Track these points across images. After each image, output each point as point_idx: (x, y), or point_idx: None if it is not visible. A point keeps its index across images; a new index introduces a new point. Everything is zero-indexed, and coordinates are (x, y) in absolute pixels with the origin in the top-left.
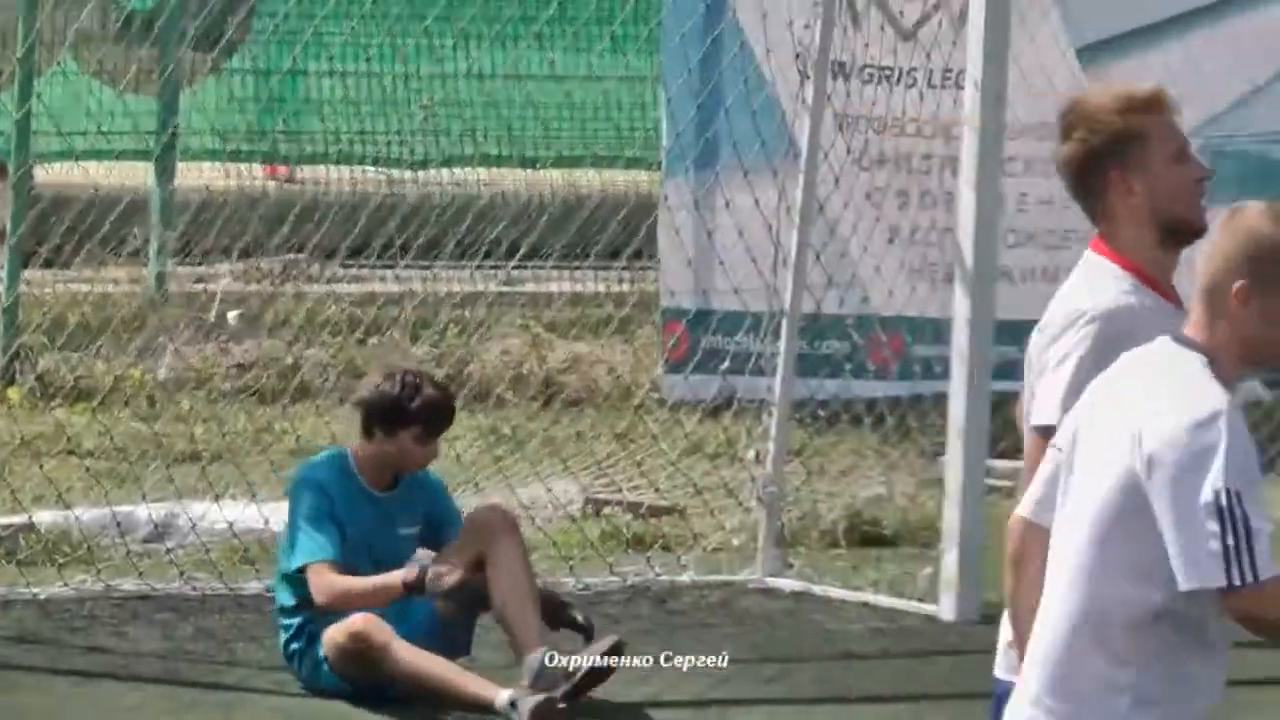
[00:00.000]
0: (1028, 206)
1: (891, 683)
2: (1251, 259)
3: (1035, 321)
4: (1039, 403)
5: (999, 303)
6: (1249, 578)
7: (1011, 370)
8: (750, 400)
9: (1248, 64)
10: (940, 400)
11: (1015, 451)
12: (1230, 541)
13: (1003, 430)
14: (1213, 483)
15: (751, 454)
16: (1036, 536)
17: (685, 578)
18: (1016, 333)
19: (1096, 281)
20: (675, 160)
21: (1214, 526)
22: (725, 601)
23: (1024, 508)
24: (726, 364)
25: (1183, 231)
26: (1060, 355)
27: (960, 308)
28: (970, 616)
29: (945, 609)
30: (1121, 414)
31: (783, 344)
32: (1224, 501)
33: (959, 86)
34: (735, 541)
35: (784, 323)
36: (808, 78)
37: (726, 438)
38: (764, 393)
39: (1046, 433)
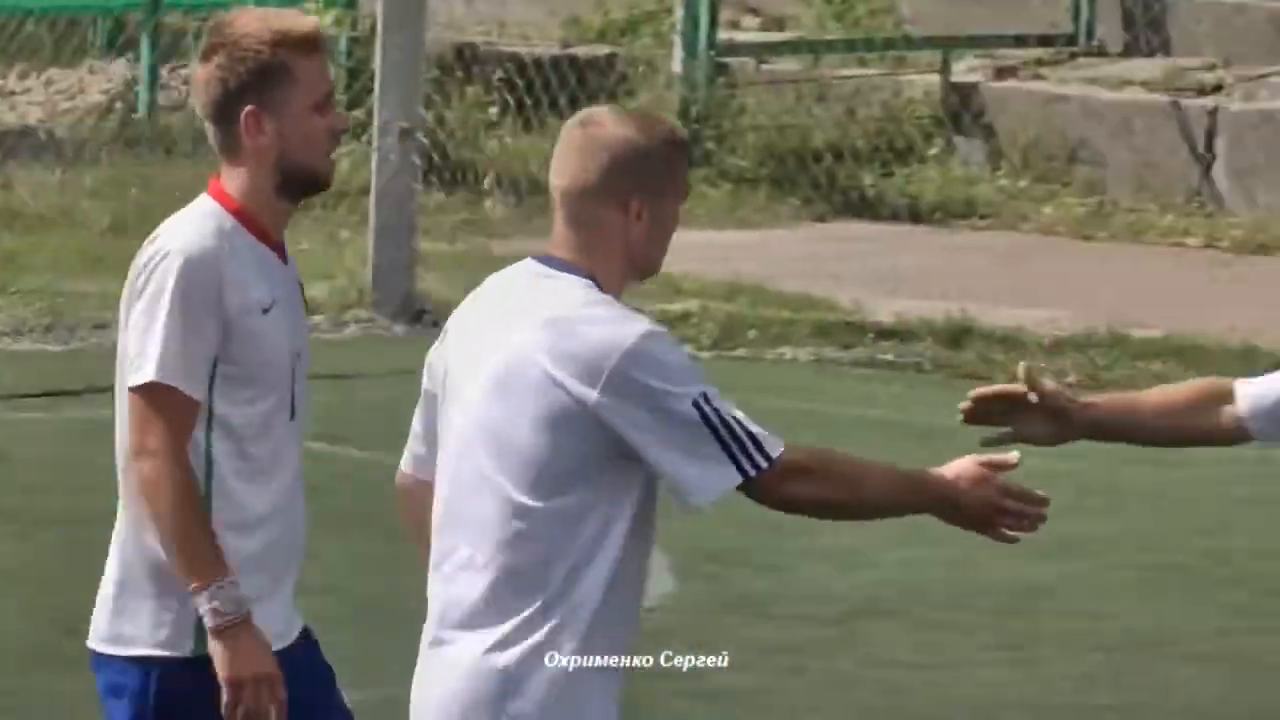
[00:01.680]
0: None
1: None
2: (635, 172)
3: None
4: (140, 359)
5: None
6: (761, 463)
7: None
8: None
9: None
10: None
11: None
12: (726, 438)
13: None
14: (687, 394)
15: None
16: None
17: None
18: None
19: (189, 220)
20: None
21: (705, 433)
22: None
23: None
24: None
25: (307, 183)
26: (147, 302)
27: None
28: None
29: None
30: (510, 343)
31: None
32: (704, 407)
33: None
34: None
35: None
36: None
37: None
38: None
39: (157, 390)
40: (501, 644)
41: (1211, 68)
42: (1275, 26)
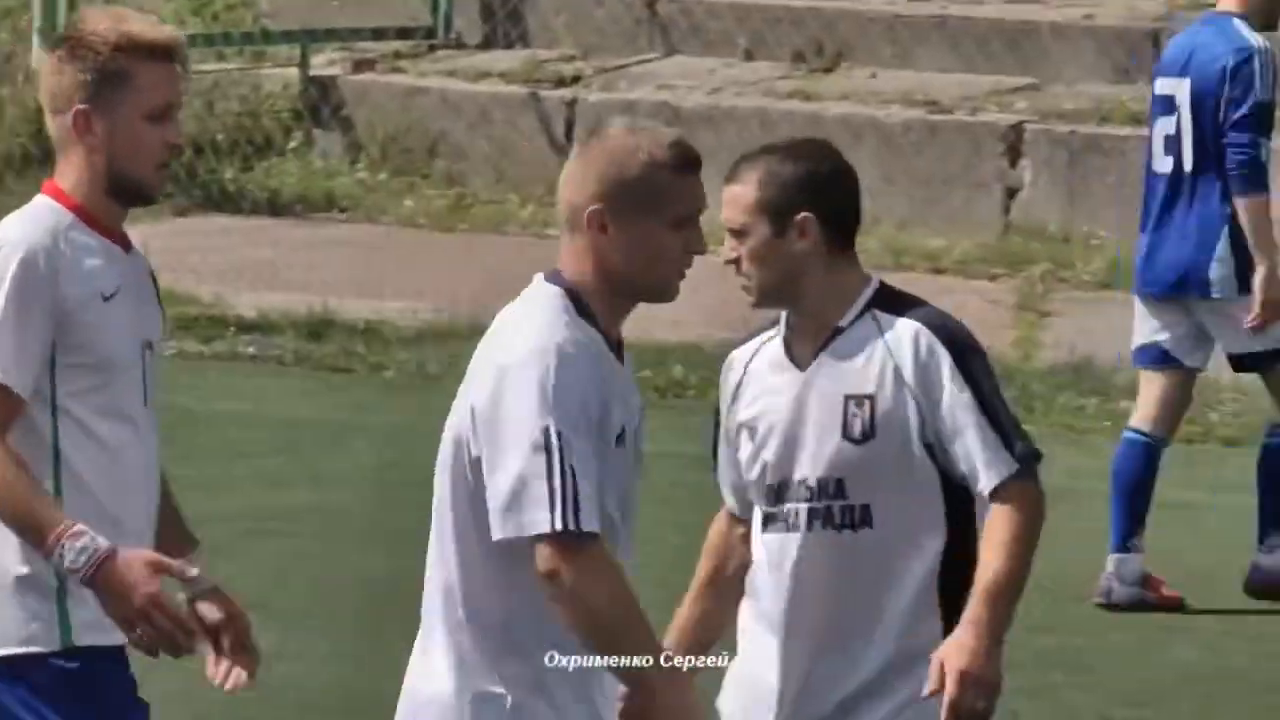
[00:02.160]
0: None
1: None
2: (609, 182)
3: None
4: None
5: None
6: (571, 525)
7: None
8: None
9: None
10: None
11: None
12: (556, 484)
13: None
14: (539, 421)
15: None
16: None
17: None
18: None
19: (24, 216)
20: None
21: (539, 468)
22: None
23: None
24: None
25: (131, 192)
26: None
27: None
28: None
29: None
30: (477, 360)
31: None
32: (551, 441)
33: None
34: None
35: None
36: None
37: None
38: None
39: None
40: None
41: (570, 59)
42: (634, 19)
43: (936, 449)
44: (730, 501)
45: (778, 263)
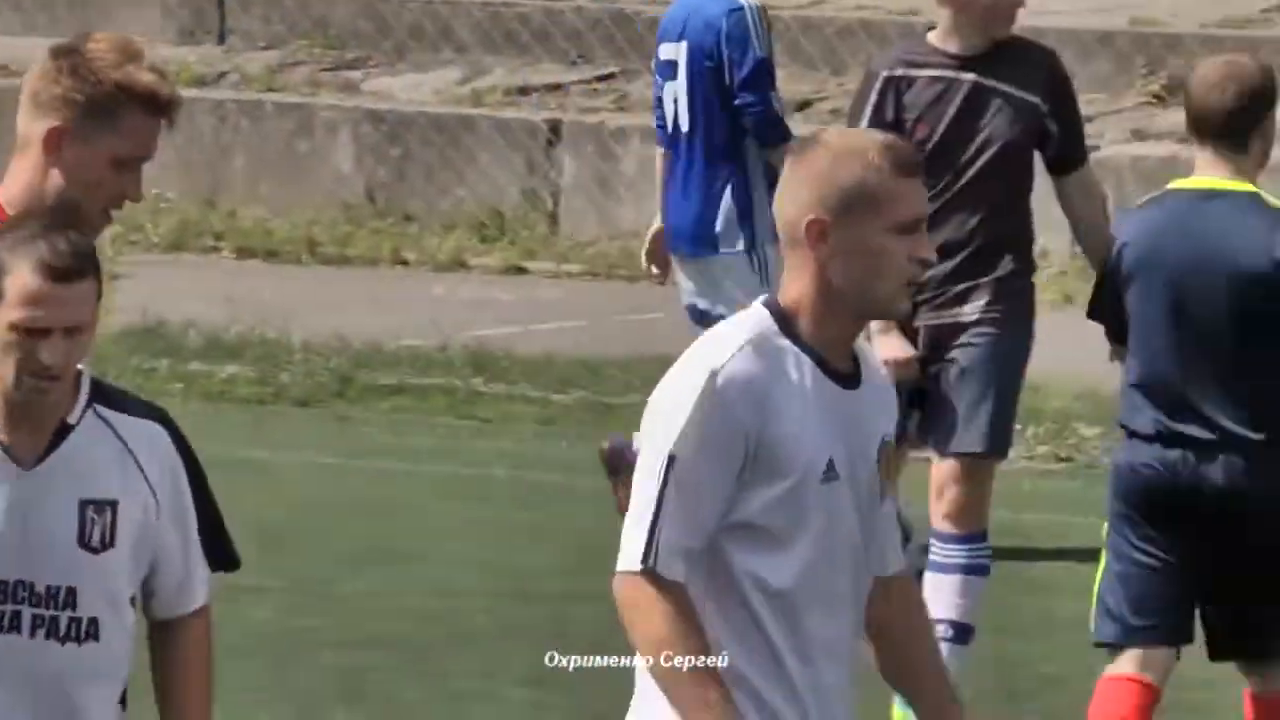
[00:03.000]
0: None
1: None
2: (824, 188)
3: None
4: None
5: None
6: (639, 563)
7: None
8: None
9: None
10: None
11: None
12: (653, 511)
13: None
14: (663, 446)
15: None
16: None
17: None
18: None
19: None
20: None
21: (650, 492)
22: None
23: None
24: None
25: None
26: None
27: None
28: None
29: None
30: None
31: None
32: (660, 468)
33: None
34: None
35: None
36: None
37: None
38: None
39: None
40: None
41: None
42: None
43: None
44: None
45: None
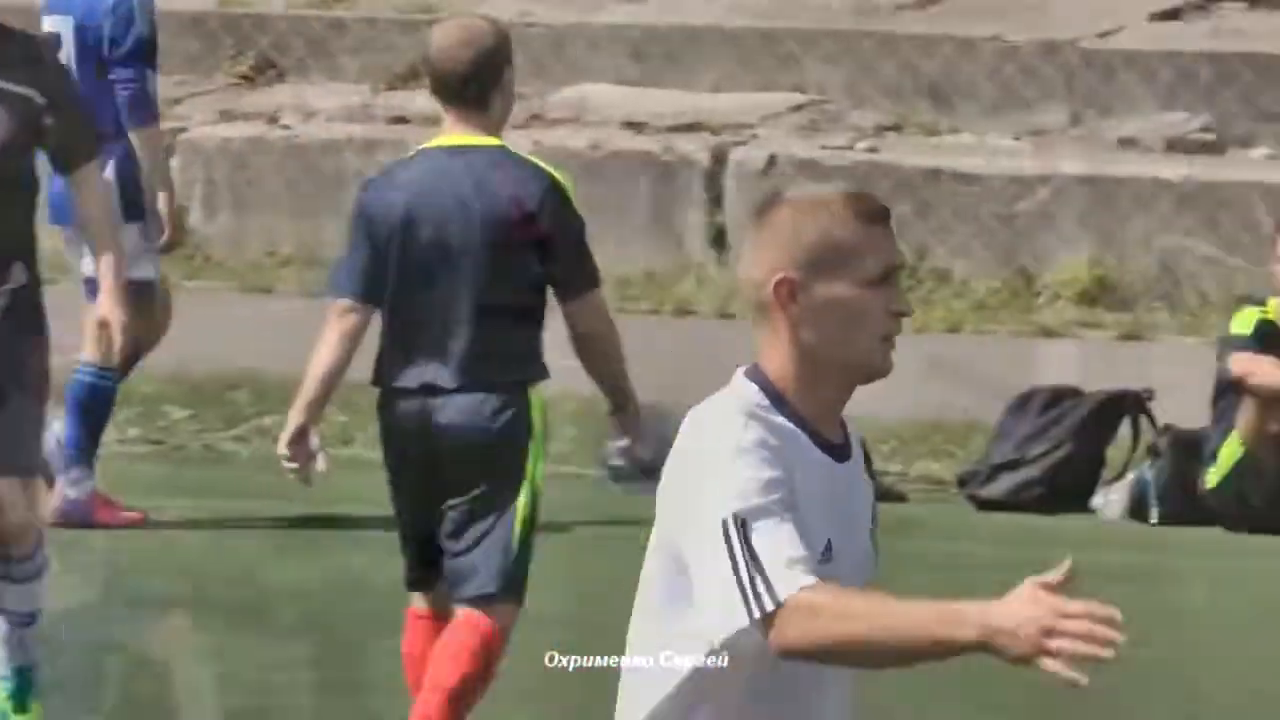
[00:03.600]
0: None
1: None
2: (788, 246)
3: None
4: None
5: None
6: (766, 604)
7: None
8: None
9: None
10: None
11: None
12: (743, 574)
13: None
14: (718, 515)
15: None
16: None
17: None
18: None
19: None
20: None
21: (725, 562)
22: None
23: None
24: None
25: None
26: None
27: None
28: None
29: None
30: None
31: None
32: (725, 533)
33: None
34: None
35: None
36: None
37: None
38: None
39: None
40: None
41: None
42: None
43: None
44: None
45: None
